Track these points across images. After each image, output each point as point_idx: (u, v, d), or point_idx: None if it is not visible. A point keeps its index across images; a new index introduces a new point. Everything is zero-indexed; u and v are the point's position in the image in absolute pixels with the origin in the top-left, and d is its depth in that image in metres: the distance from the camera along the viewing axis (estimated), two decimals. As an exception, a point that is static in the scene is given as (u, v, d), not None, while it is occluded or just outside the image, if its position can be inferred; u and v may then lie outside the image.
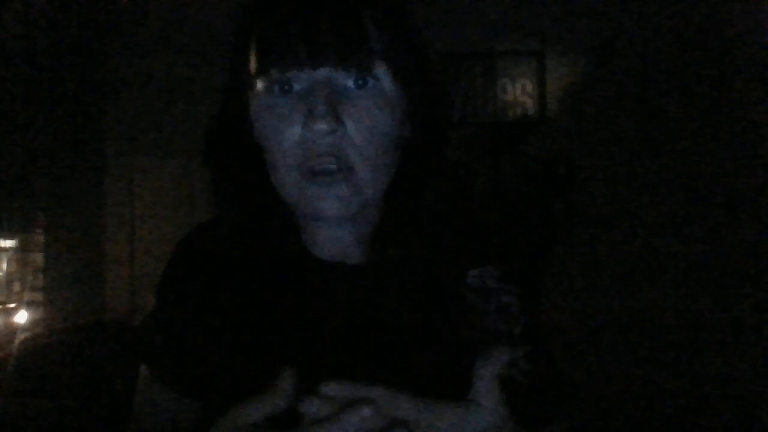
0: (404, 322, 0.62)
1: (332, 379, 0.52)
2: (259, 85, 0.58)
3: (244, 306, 0.63)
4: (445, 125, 0.66)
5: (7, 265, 2.44)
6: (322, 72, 0.56)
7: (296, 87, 0.57)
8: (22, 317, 2.35)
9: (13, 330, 2.27)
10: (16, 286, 2.45)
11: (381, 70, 0.57)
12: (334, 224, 0.63)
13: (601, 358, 2.62)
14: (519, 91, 2.87)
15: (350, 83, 0.57)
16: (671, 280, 2.71)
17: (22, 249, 2.49)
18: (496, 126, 2.84)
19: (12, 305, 2.37)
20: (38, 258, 2.54)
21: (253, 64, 0.58)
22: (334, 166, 0.57)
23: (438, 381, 0.58)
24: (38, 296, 2.52)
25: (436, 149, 0.65)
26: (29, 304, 2.43)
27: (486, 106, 2.88)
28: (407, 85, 0.60)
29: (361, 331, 0.61)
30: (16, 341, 2.18)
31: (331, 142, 0.56)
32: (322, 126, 0.55)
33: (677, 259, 2.71)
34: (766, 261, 2.59)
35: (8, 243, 2.45)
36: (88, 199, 2.84)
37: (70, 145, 2.71)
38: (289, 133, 0.57)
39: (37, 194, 2.53)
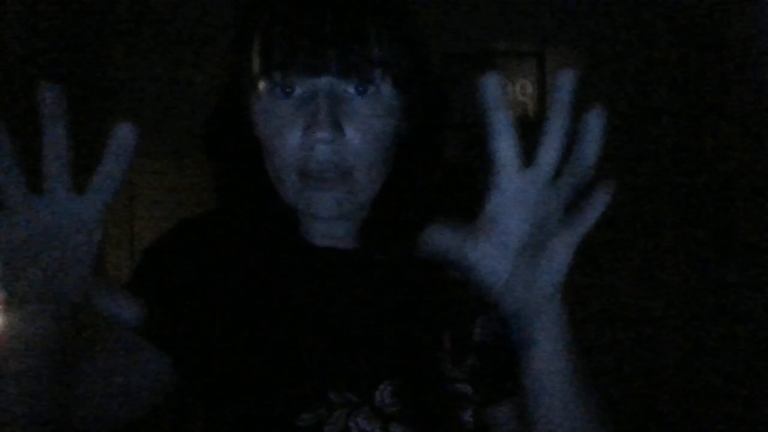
0: (391, 300, 0.66)
1: (325, 352, 0.61)
2: (261, 85, 0.58)
3: (240, 285, 0.65)
4: (441, 125, 0.67)
5: (8, 265, 2.43)
6: (325, 79, 0.56)
7: (298, 91, 0.57)
8: (22, 317, 2.35)
9: (13, 330, 2.26)
10: (16, 286, 2.44)
11: (380, 77, 0.58)
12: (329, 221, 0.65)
13: (600, 358, 2.62)
14: (519, 91, 2.87)
15: (351, 90, 0.58)
16: (671, 279, 2.71)
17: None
18: (496, 126, 2.84)
19: (12, 305, 2.37)
20: (38, 258, 2.53)
21: (256, 65, 0.58)
22: (332, 173, 0.58)
23: (421, 350, 0.65)
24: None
25: (431, 147, 0.67)
26: (29, 304, 2.43)
27: (486, 106, 2.88)
28: (405, 89, 0.61)
29: (350, 308, 0.65)
30: (16, 341, 2.17)
31: (331, 150, 0.57)
32: (323, 135, 0.55)
33: (677, 259, 2.71)
34: (765, 260, 2.59)
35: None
36: (88, 199, 2.84)
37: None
38: (290, 137, 0.58)
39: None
